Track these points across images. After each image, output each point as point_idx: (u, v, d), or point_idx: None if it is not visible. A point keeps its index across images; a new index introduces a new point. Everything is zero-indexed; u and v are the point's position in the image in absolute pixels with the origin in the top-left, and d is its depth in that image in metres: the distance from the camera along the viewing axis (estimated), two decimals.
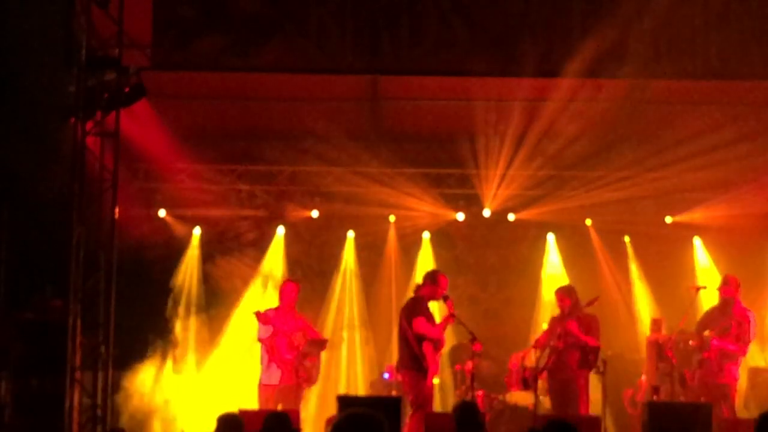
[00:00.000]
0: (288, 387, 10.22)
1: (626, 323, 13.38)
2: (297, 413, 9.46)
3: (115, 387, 10.38)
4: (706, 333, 10.41)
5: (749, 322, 10.29)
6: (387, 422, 3.97)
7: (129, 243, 11.29)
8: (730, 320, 10.34)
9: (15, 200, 9.52)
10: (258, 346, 10.54)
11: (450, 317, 9.76)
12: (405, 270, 13.53)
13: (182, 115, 12.09)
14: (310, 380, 10.50)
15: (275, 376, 10.22)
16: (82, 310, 9.29)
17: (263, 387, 10.29)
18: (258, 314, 10.08)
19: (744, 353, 10.47)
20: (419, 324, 9.59)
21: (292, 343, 10.23)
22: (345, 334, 13.60)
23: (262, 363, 10.39)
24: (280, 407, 9.92)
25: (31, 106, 9.08)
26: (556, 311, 10.87)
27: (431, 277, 10.01)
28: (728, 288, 10.54)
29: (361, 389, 13.07)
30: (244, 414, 8.96)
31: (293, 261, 13.58)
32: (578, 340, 10.20)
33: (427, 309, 9.85)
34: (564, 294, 10.61)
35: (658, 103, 12.31)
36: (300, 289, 10.86)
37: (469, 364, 10.27)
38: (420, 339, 9.59)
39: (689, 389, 10.58)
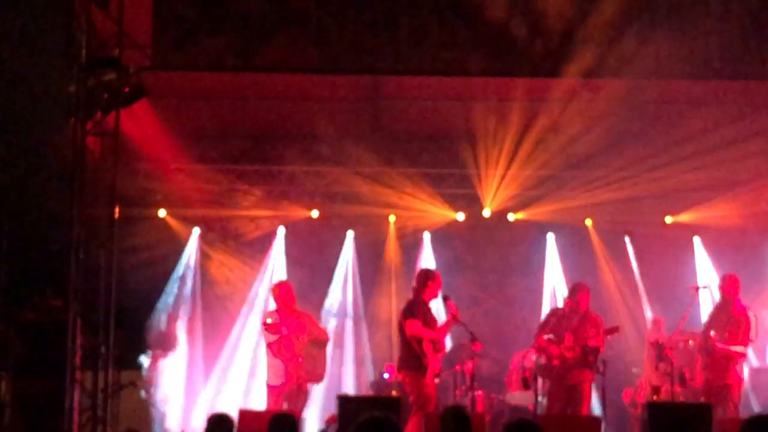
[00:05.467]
0: (293, 387, 10.24)
1: (626, 323, 13.37)
2: (299, 414, 9.47)
3: (115, 387, 10.36)
4: (712, 333, 10.37)
5: (749, 321, 10.25)
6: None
7: (129, 243, 11.28)
8: (729, 320, 10.32)
9: (15, 200, 9.51)
10: (260, 347, 10.54)
11: (451, 318, 9.74)
12: (405, 270, 13.51)
13: (182, 115, 12.08)
14: (315, 379, 10.54)
15: (282, 377, 10.23)
16: (82, 310, 9.28)
17: (270, 388, 10.31)
18: (268, 326, 10.13)
19: (745, 354, 10.45)
20: (412, 326, 9.57)
21: (296, 344, 10.24)
22: (344, 334, 13.59)
23: (268, 364, 10.40)
24: (285, 407, 9.96)
25: (31, 106, 9.06)
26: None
27: (424, 277, 9.98)
28: (726, 286, 10.50)
29: (361, 389, 13.05)
30: (245, 414, 8.97)
31: (293, 261, 13.56)
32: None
33: (427, 310, 9.82)
34: (584, 293, 10.30)
35: (658, 103, 12.31)
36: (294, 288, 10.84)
37: (469, 364, 10.25)
38: (419, 339, 9.57)
39: (689, 389, 10.57)
